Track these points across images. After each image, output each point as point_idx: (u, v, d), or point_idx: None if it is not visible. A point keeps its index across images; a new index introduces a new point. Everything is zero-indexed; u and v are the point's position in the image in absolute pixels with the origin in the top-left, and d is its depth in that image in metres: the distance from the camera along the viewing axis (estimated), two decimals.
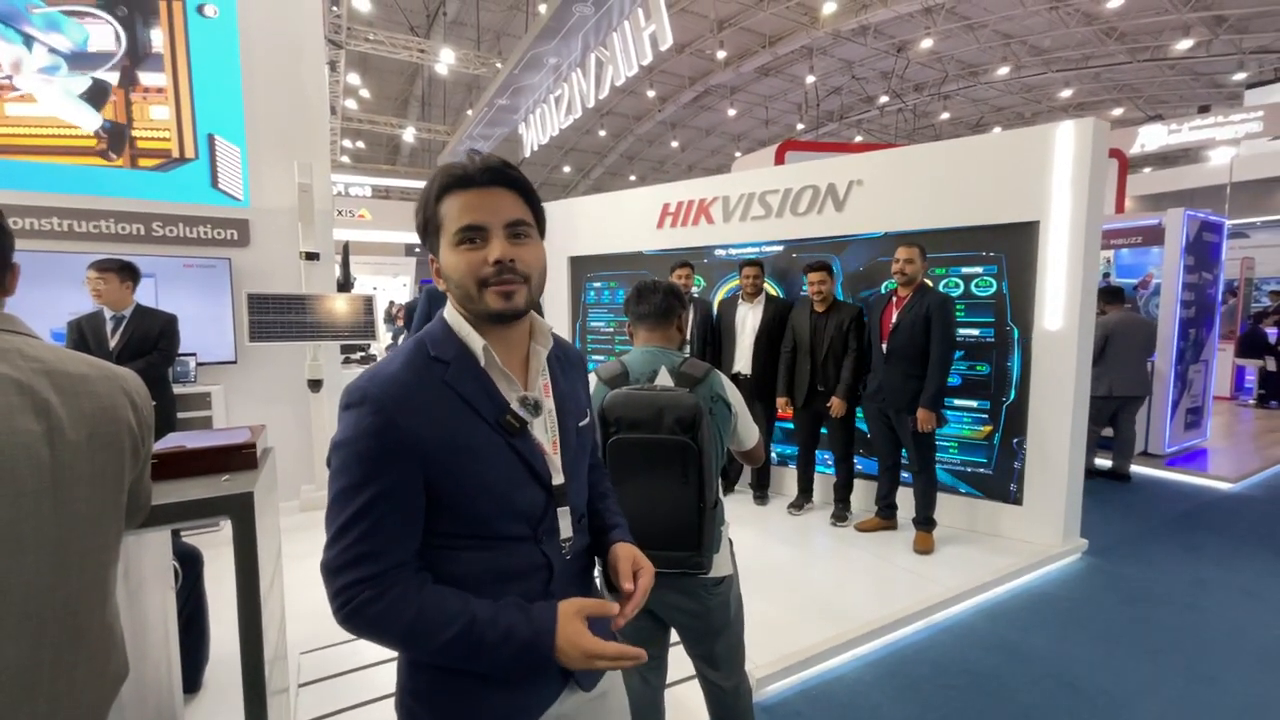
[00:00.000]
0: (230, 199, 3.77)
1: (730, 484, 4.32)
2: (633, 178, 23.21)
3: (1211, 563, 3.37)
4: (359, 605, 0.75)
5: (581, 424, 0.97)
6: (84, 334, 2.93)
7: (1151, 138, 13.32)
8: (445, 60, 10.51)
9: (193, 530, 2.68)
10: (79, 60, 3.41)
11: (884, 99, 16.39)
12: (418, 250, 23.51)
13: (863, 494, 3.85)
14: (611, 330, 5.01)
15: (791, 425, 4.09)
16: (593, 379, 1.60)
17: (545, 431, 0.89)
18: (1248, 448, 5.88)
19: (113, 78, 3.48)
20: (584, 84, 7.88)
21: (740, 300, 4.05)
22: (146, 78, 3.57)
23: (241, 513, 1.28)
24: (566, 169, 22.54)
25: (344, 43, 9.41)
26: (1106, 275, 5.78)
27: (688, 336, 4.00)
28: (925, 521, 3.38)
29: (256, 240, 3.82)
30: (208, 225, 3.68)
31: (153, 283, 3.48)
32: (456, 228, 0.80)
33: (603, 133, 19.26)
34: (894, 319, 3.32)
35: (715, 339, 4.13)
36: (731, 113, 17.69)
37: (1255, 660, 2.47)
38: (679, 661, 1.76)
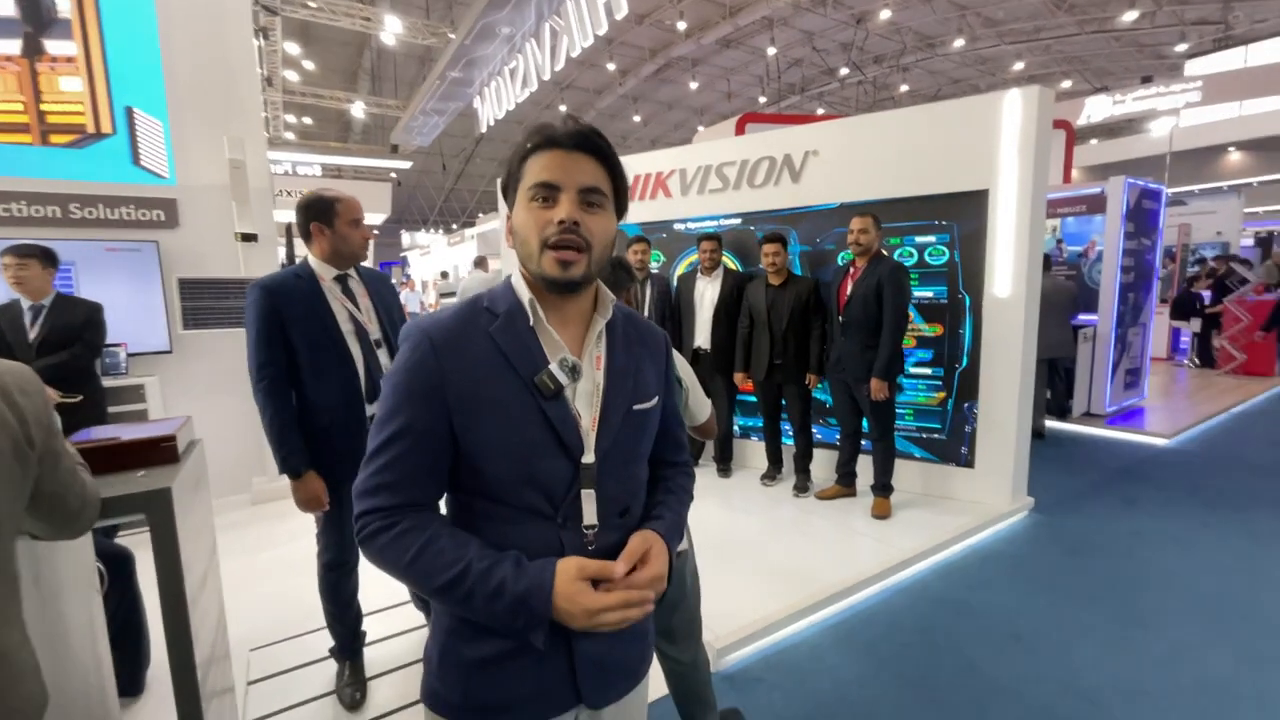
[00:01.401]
0: (155, 176, 3.52)
1: (693, 456, 4.34)
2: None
3: (1146, 514, 3.55)
4: (369, 534, 0.77)
5: (639, 407, 0.88)
6: (2, 323, 2.72)
7: (1097, 108, 13.71)
8: (391, 29, 10.02)
9: (126, 531, 2.55)
10: None
11: (844, 71, 16.40)
12: (376, 231, 22.75)
13: (826, 463, 3.92)
14: None
15: (753, 399, 4.12)
16: None
17: (587, 405, 0.83)
18: (1183, 405, 6.20)
19: (13, 46, 3.19)
20: (539, 55, 7.64)
21: (699, 275, 4.03)
22: (53, 46, 3.28)
23: (158, 510, 1.20)
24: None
25: (278, 8, 8.84)
26: (1060, 242, 5.96)
27: (645, 314, 3.97)
28: (883, 488, 3.46)
29: (186, 221, 3.59)
30: (131, 205, 3.43)
31: (72, 269, 3.25)
32: (532, 183, 0.79)
33: (563, 108, 18.80)
34: (849, 290, 3.35)
35: (675, 315, 4.11)
36: (694, 85, 17.47)
37: (1184, 604, 2.62)
38: None
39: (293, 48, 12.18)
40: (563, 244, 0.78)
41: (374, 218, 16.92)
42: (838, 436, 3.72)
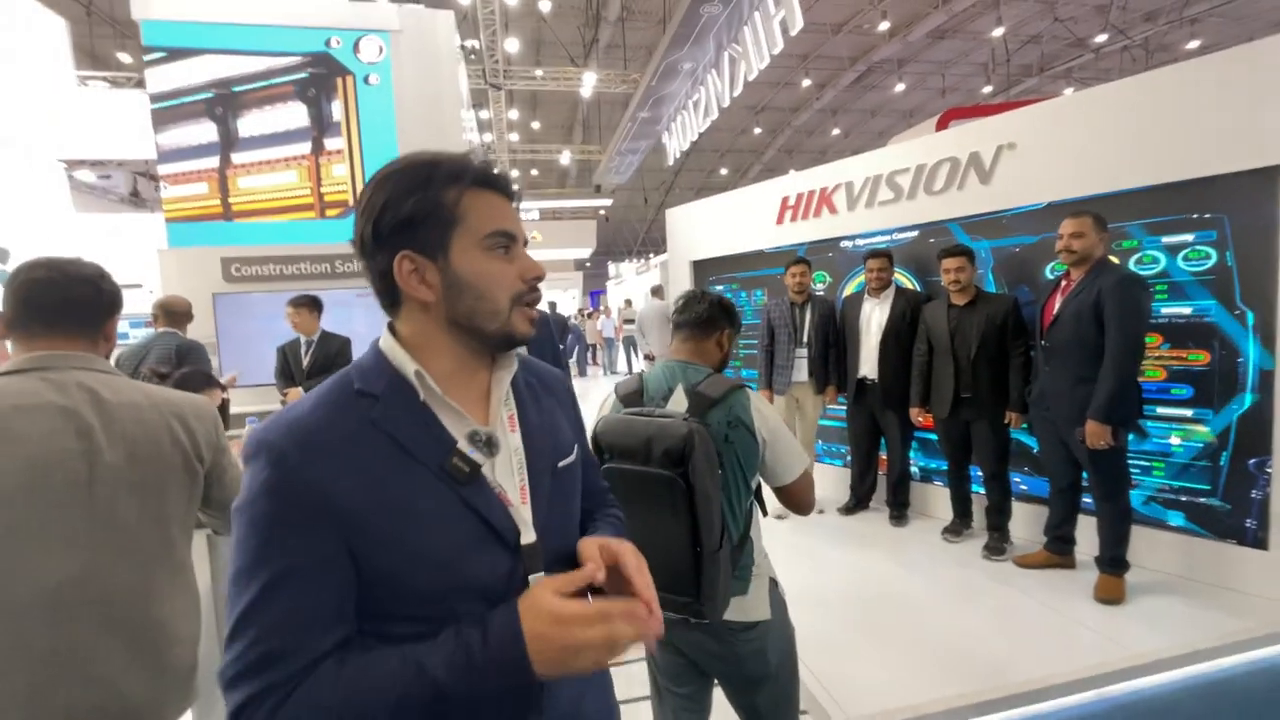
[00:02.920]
0: None
1: (861, 500, 3.87)
2: (792, 171, 22.31)
3: None
4: None
5: (563, 463, 0.78)
6: (287, 357, 3.65)
7: None
8: (587, 84, 11.19)
9: None
10: (282, 138, 4.29)
11: (1101, 38, 13.51)
12: (586, 265, 25.28)
13: (1031, 520, 3.18)
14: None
15: (934, 436, 3.54)
16: (611, 396, 1.53)
17: (510, 476, 0.71)
18: None
19: (305, 148, 4.32)
20: (719, 84, 7.79)
21: (866, 296, 3.63)
22: (329, 143, 4.35)
23: None
24: (724, 171, 22.46)
25: (501, 84, 10.51)
26: None
27: (805, 339, 3.71)
28: (1114, 563, 2.67)
29: None
30: None
31: (336, 310, 4.23)
32: (490, 230, 0.69)
33: (758, 130, 18.82)
34: (1056, 307, 2.70)
35: (840, 340, 3.75)
36: (900, 87, 16.07)
37: None
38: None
39: (515, 113, 14.31)
40: (534, 301, 0.73)
41: (581, 252, 18.86)
42: (1049, 491, 2.98)
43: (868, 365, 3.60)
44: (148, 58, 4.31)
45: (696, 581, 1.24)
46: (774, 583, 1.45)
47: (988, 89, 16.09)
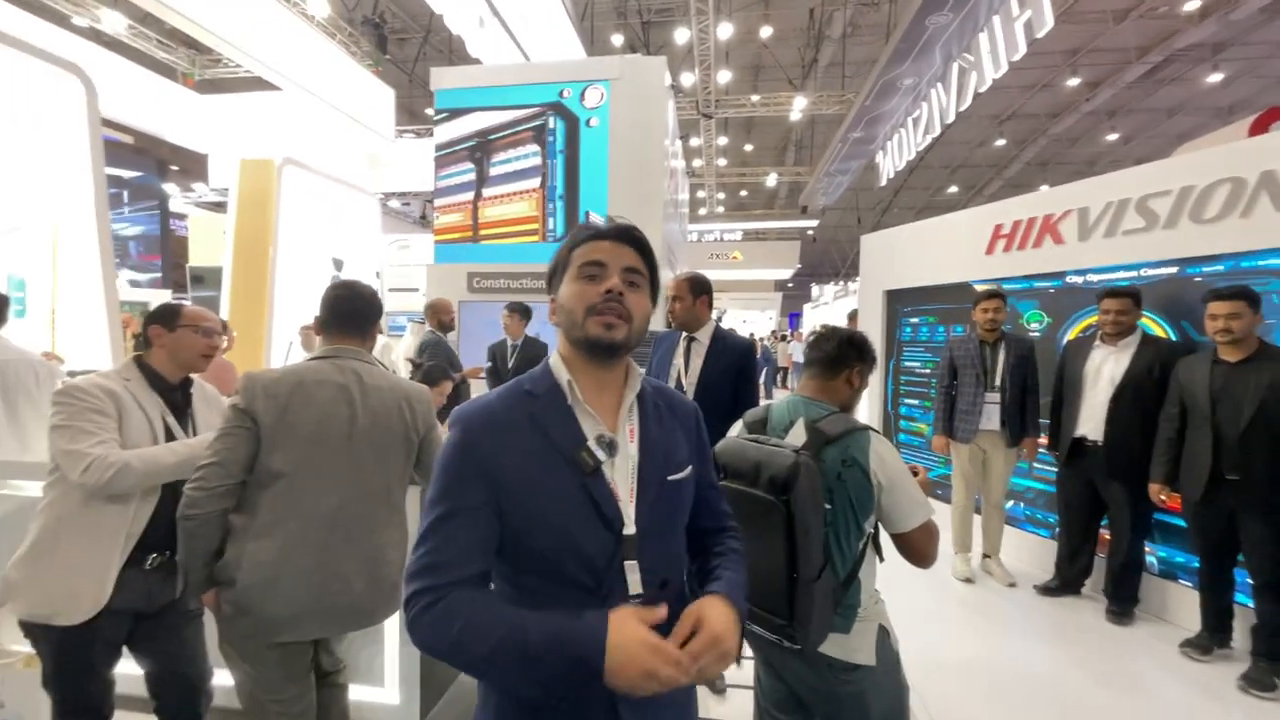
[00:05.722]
0: None
1: (1068, 582, 3.23)
2: (1044, 187, 19.05)
3: None
4: (415, 613, 0.77)
5: (674, 477, 0.90)
6: (495, 357, 4.37)
7: None
8: (797, 107, 11.03)
9: None
10: (519, 175, 5.16)
11: None
12: (788, 285, 24.74)
13: None
14: (928, 371, 4.41)
15: (1181, 522, 2.83)
16: (738, 424, 1.62)
17: (625, 477, 0.86)
18: None
19: (535, 183, 5.13)
20: (943, 98, 7.15)
21: (1098, 342, 3.06)
22: (553, 177, 5.10)
23: None
24: (953, 189, 20.17)
25: (713, 113, 10.94)
26: None
27: (997, 381, 3.27)
28: None
29: None
30: None
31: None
32: (581, 263, 0.88)
33: (1001, 141, 16.53)
34: None
35: (1057, 390, 3.20)
36: (1216, 78, 12.76)
37: None
38: None
39: (724, 140, 14.70)
40: (608, 309, 0.85)
41: (782, 272, 18.55)
42: None
43: (1090, 423, 3.02)
44: (437, 117, 5.60)
45: (791, 606, 1.29)
46: (885, 631, 1.41)
47: None
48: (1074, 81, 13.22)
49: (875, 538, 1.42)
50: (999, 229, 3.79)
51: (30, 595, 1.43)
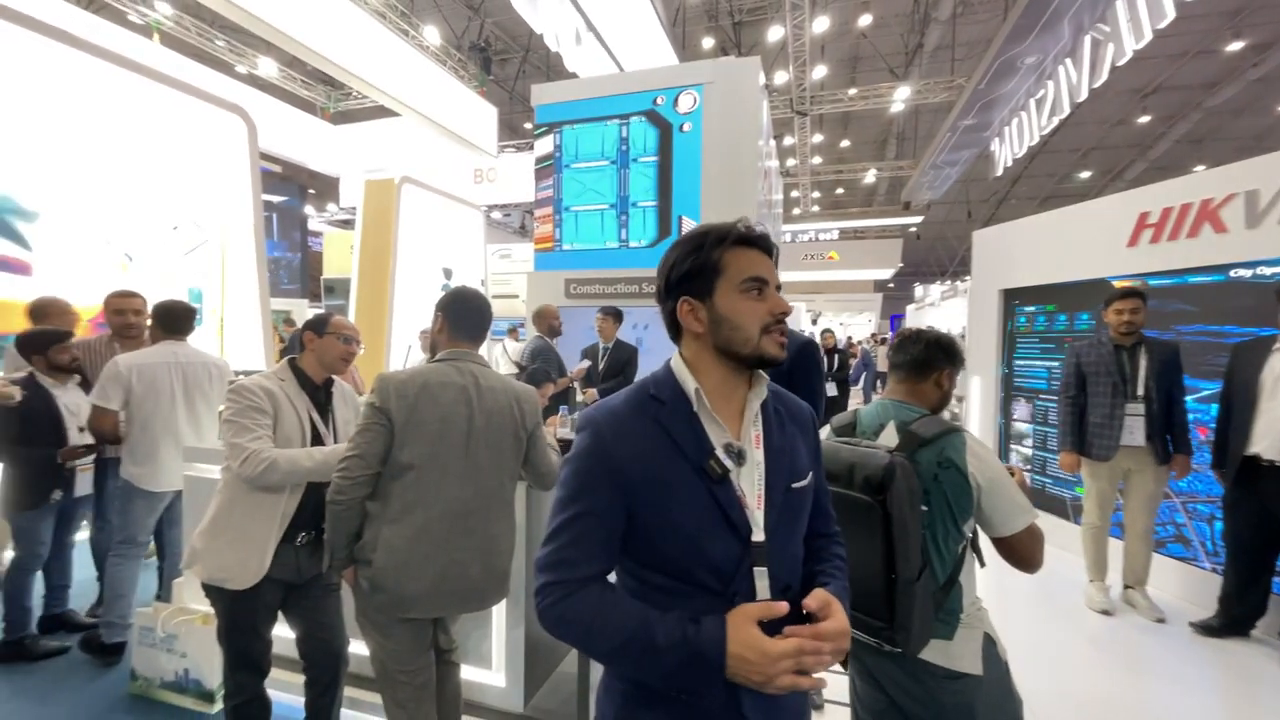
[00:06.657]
0: None
1: (1236, 622, 2.80)
2: (1200, 168, 16.64)
3: None
4: (549, 604, 0.83)
5: (796, 485, 0.91)
6: (588, 357, 4.50)
7: None
8: (899, 98, 10.39)
9: None
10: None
11: None
12: (890, 285, 23.37)
13: None
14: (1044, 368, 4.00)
15: None
16: (825, 429, 1.58)
17: (751, 484, 0.87)
18: None
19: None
20: (1073, 75, 6.49)
21: (1278, 345, 2.64)
22: (625, 187, 5.19)
23: None
24: (1084, 174, 18.15)
25: (808, 110, 10.56)
26: None
27: (1140, 390, 2.91)
28: None
29: None
30: None
31: (645, 325, 5.01)
32: (745, 276, 0.88)
33: (1145, 118, 14.66)
34: None
35: (1228, 402, 2.78)
36: None
37: None
38: None
39: (819, 137, 14.13)
40: (778, 329, 0.89)
41: (882, 272, 17.57)
42: None
43: (1267, 440, 2.61)
44: (536, 131, 5.87)
45: (890, 608, 1.25)
46: (991, 640, 1.35)
47: None
48: (1236, 45, 11.49)
49: (975, 541, 1.38)
50: (1144, 217, 3.37)
51: (209, 561, 1.67)
